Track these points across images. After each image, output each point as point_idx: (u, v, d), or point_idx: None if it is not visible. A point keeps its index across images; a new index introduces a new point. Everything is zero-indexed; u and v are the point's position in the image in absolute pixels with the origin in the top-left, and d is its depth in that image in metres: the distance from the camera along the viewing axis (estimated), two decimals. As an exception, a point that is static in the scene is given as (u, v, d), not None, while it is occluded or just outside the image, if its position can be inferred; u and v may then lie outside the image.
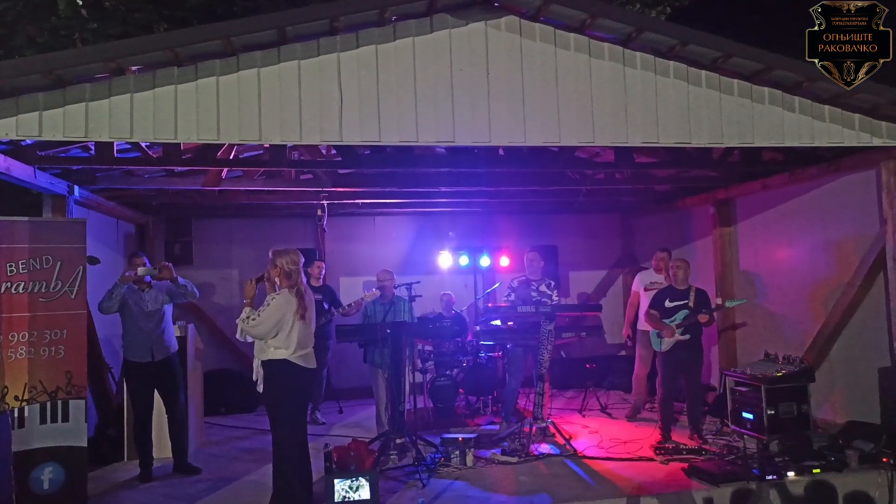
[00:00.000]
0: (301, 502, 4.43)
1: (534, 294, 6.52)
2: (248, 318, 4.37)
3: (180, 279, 5.54)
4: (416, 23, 4.79)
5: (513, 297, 6.53)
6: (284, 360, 4.38)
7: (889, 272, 5.58)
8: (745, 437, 5.81)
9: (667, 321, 6.11)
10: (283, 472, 4.41)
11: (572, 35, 4.97)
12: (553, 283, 6.74)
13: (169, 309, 5.66)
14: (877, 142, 5.42)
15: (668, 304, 6.19)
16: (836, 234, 6.29)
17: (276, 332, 4.36)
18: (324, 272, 7.58)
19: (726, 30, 5.10)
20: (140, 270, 5.42)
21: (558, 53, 4.96)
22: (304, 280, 4.57)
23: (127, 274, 5.43)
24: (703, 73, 5.14)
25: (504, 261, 8.98)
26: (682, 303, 6.16)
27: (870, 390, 5.81)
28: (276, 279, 4.49)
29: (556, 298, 6.57)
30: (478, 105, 4.84)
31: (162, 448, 5.68)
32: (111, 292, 5.38)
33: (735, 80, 5.19)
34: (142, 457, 5.48)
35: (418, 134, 4.77)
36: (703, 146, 5.35)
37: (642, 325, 7.06)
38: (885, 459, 5.07)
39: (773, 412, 5.61)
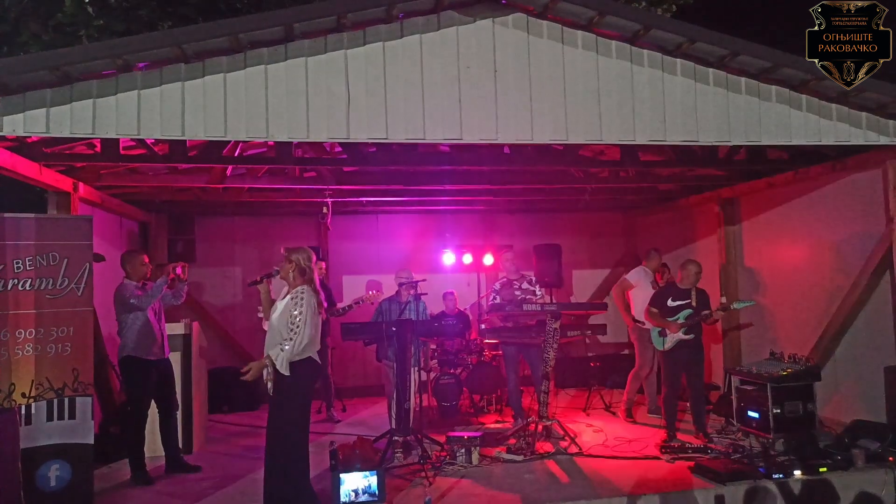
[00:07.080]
0: (308, 495, 4.42)
1: (518, 293, 6.51)
2: (291, 327, 4.20)
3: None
4: (424, 20, 4.78)
5: (498, 299, 6.52)
6: (309, 358, 4.31)
7: (895, 271, 5.57)
8: (751, 435, 5.81)
9: (669, 320, 6.12)
10: (288, 466, 4.37)
11: (580, 32, 4.97)
12: (534, 279, 6.74)
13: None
14: (884, 140, 5.40)
15: (670, 303, 6.20)
16: (841, 232, 6.28)
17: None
18: (323, 272, 7.58)
19: (731, 26, 5.10)
20: (179, 270, 5.56)
21: (566, 51, 4.95)
22: (318, 280, 4.54)
23: (171, 277, 5.52)
24: (711, 70, 5.13)
25: (507, 259, 8.95)
26: (684, 302, 6.17)
27: (875, 389, 5.81)
28: (290, 274, 4.42)
29: (541, 293, 6.56)
30: (485, 102, 4.83)
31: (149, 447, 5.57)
32: (157, 290, 5.46)
33: (742, 78, 5.18)
34: (139, 455, 5.40)
35: (425, 131, 4.76)
36: (710, 144, 5.35)
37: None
38: (890, 458, 5.08)
39: (778, 411, 5.61)
